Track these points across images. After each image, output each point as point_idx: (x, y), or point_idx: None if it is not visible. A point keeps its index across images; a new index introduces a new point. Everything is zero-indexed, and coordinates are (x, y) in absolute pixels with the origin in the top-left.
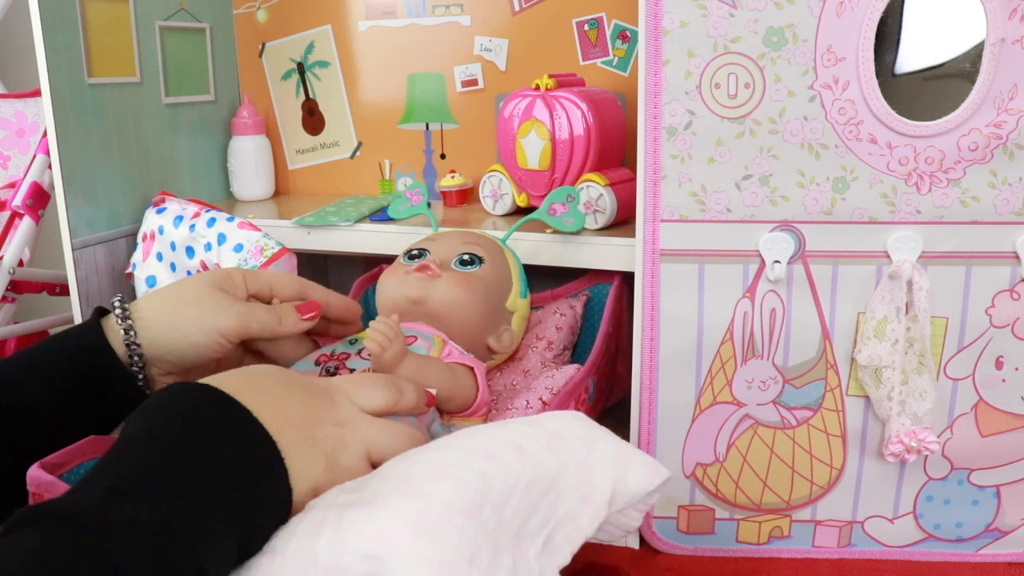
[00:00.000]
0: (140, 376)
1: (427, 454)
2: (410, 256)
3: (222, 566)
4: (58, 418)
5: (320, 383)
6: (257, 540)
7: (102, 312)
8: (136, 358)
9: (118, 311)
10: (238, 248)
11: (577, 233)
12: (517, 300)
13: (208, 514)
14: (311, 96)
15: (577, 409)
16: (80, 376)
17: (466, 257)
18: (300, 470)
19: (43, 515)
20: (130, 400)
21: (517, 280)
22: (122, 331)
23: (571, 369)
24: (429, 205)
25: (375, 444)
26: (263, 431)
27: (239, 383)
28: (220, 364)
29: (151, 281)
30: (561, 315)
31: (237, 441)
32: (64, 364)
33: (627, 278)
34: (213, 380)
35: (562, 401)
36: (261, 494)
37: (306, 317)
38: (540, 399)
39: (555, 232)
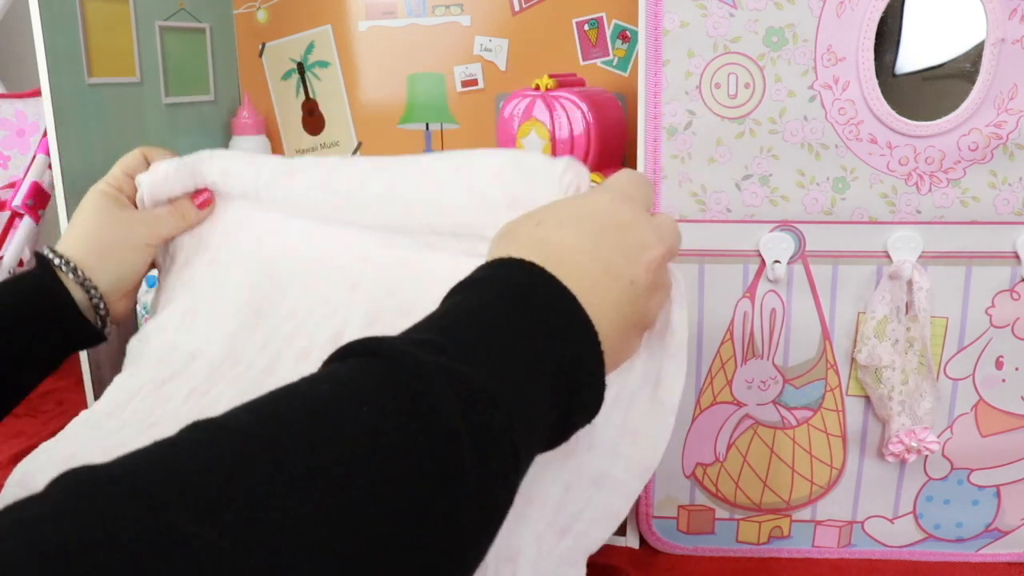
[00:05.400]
0: (101, 309)
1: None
2: None
3: (532, 443)
4: (17, 357)
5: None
6: (567, 432)
7: (42, 259)
8: (95, 297)
9: (57, 262)
10: None
11: None
12: None
13: (522, 386)
14: (311, 96)
15: None
16: (43, 316)
17: None
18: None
19: (358, 349)
20: (87, 336)
21: None
22: (71, 276)
23: None
24: None
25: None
26: (585, 317)
27: (558, 259)
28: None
29: (151, 281)
30: None
31: (559, 327)
32: (26, 306)
33: None
34: (531, 254)
35: None
36: (577, 385)
37: (200, 203)
38: None
39: None
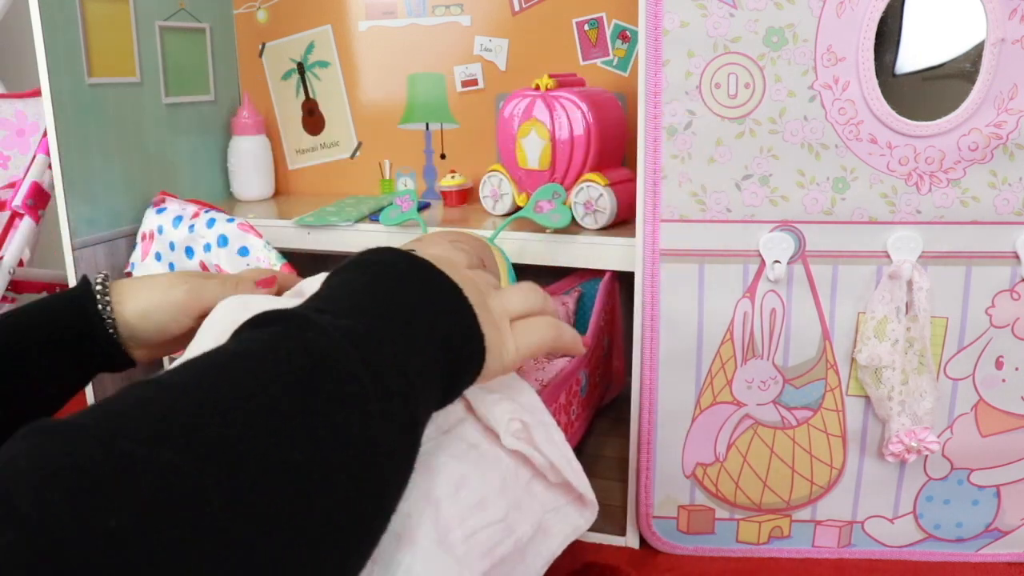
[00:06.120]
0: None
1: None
2: None
3: (428, 393)
4: (43, 373)
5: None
6: (454, 392)
7: (87, 282)
8: (112, 332)
9: (98, 288)
10: (243, 252)
11: (566, 230)
12: None
13: (413, 336)
14: (311, 96)
15: (569, 401)
16: (71, 337)
17: None
18: (491, 341)
19: (255, 322)
20: (109, 362)
21: (505, 278)
22: (101, 308)
23: (561, 361)
24: (428, 206)
25: (523, 342)
26: (464, 297)
27: (438, 257)
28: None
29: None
30: None
31: (440, 297)
32: (57, 324)
33: (621, 275)
34: (412, 249)
35: (553, 392)
36: (462, 348)
37: (262, 287)
38: None
39: (555, 232)
